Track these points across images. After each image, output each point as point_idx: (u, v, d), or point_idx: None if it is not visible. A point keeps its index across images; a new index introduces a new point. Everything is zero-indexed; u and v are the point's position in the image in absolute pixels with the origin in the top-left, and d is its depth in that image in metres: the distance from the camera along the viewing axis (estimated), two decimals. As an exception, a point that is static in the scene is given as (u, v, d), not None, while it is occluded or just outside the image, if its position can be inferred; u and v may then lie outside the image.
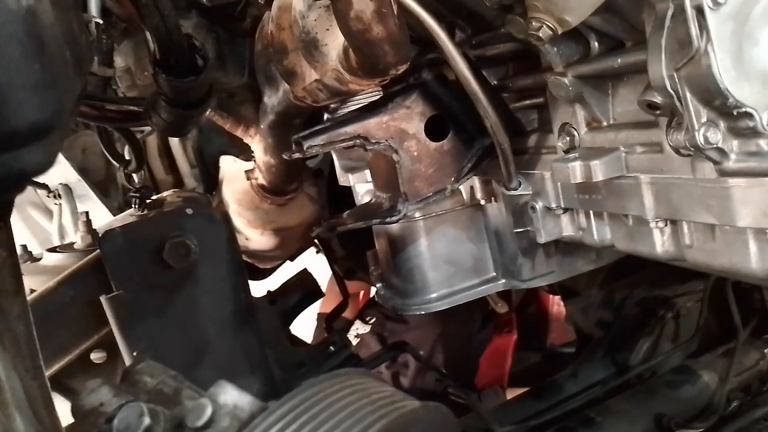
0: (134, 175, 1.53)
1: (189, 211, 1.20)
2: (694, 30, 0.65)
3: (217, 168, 1.71)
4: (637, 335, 1.75)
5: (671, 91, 0.70)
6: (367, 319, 2.30)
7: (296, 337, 1.62)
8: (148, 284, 1.16)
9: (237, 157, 1.55)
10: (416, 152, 1.11)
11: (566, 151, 0.94)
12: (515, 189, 1.07)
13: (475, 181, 1.22)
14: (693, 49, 0.66)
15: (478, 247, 1.25)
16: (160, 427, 0.53)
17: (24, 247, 1.42)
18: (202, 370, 1.21)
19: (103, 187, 2.05)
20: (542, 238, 1.08)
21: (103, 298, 1.12)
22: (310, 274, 1.58)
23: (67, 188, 1.67)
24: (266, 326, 1.48)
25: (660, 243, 0.87)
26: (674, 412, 1.53)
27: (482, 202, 1.21)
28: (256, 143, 1.37)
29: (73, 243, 1.45)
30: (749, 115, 0.67)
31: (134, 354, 1.12)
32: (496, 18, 0.89)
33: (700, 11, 0.65)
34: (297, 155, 1.13)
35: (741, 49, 0.66)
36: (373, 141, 1.08)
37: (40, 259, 1.40)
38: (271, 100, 1.26)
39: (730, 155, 0.72)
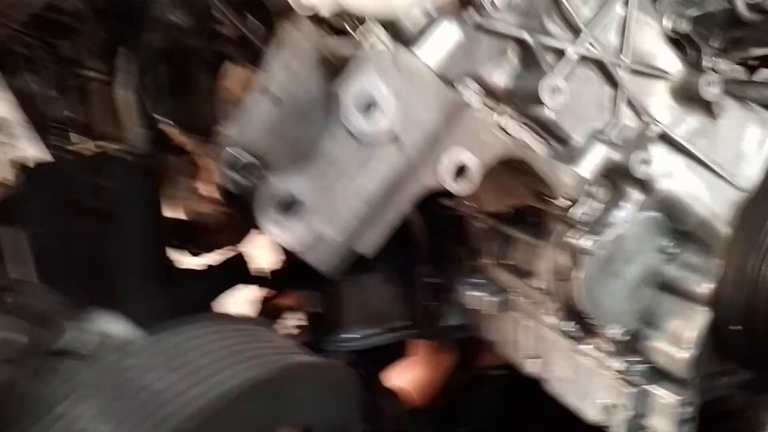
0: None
1: (112, 156, 1.11)
2: (572, 263, 0.88)
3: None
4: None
5: (553, 292, 0.95)
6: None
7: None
8: (55, 227, 1.06)
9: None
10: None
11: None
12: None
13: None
14: (569, 275, 0.89)
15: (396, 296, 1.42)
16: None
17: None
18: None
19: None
20: (451, 322, 1.31)
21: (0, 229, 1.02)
22: (243, 258, 1.50)
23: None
24: (182, 301, 1.38)
25: (529, 366, 1.11)
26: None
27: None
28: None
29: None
30: (599, 326, 0.93)
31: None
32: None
33: (579, 251, 0.88)
34: None
35: (605, 281, 0.90)
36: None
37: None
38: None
39: (583, 342, 0.98)
